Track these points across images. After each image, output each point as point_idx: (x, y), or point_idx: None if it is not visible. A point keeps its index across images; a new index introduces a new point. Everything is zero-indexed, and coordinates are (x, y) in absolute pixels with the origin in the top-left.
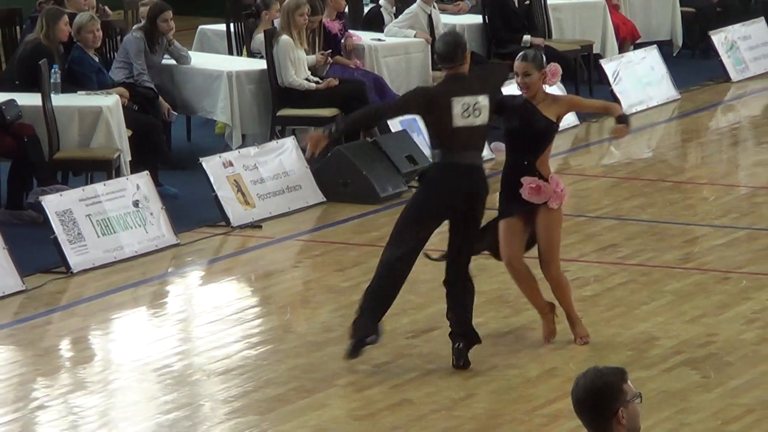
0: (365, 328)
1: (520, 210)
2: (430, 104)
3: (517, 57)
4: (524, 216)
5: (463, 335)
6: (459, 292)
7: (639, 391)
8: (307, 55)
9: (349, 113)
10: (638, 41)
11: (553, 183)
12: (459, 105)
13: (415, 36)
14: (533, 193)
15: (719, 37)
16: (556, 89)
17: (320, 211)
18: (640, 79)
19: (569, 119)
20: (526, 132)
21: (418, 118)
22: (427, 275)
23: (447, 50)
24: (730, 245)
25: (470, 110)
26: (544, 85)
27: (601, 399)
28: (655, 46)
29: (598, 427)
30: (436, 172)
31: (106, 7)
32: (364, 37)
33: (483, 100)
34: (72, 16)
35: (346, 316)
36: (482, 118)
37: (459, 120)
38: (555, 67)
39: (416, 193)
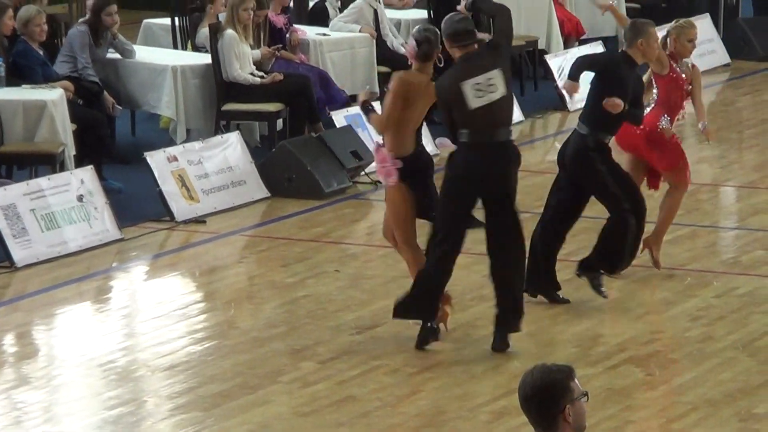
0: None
1: None
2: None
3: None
4: None
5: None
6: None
7: (585, 389)
8: (252, 49)
9: (294, 109)
10: (583, 37)
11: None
12: (470, 88)
13: (360, 31)
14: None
15: (664, 33)
16: None
17: (265, 206)
18: (586, 76)
19: (514, 115)
20: None
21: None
22: (371, 271)
23: (466, 26)
24: (674, 242)
25: (484, 88)
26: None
27: (549, 396)
28: (601, 41)
29: (544, 425)
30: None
31: None
32: (309, 32)
33: (496, 75)
34: (15, 10)
35: (290, 311)
36: (500, 91)
37: (475, 102)
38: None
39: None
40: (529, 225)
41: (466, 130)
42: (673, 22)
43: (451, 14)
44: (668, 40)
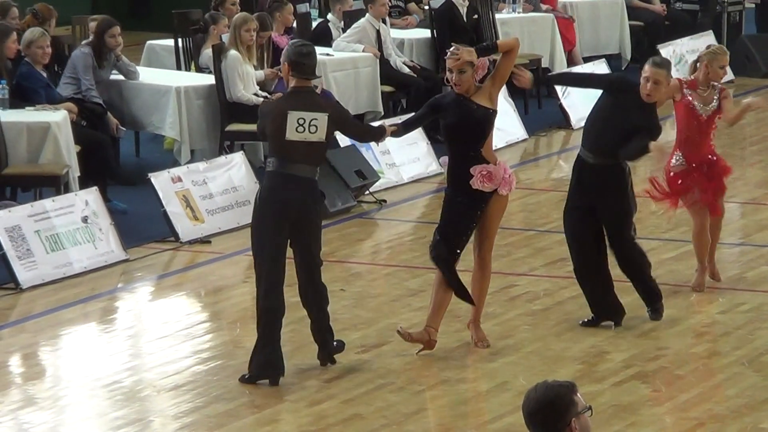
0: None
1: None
2: (270, 115)
3: (450, 54)
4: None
5: (323, 344)
6: (311, 300)
7: (589, 404)
8: (255, 70)
9: None
10: (586, 55)
11: (500, 168)
12: (294, 119)
13: (363, 51)
14: (485, 180)
15: (668, 51)
16: (503, 101)
17: None
18: (588, 93)
19: (518, 133)
20: (466, 125)
21: None
22: (376, 290)
23: (312, 63)
24: (679, 259)
25: (306, 125)
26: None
27: (553, 411)
28: (604, 59)
29: None
30: (267, 181)
31: None
32: None
33: (321, 118)
34: (20, 33)
35: (295, 331)
36: (318, 135)
37: (293, 134)
38: (483, 61)
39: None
40: (533, 242)
41: (273, 158)
42: (705, 48)
43: (301, 44)
44: (698, 65)
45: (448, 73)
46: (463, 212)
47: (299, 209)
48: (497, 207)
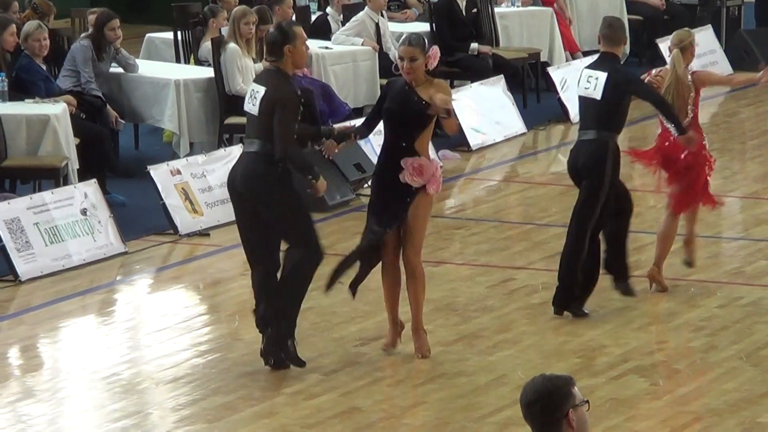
0: None
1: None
2: None
3: (402, 41)
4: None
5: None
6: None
7: (586, 398)
8: (254, 63)
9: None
10: (586, 49)
11: (432, 165)
12: (250, 89)
13: (362, 44)
14: (415, 174)
15: (667, 45)
16: (502, 95)
17: None
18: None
19: (516, 126)
20: (402, 113)
21: None
22: (375, 284)
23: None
24: (677, 253)
25: (252, 97)
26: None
27: (551, 402)
28: None
29: (546, 431)
30: None
31: None
32: (311, 45)
33: (261, 92)
34: (20, 27)
35: None
36: (258, 107)
37: (247, 104)
38: (435, 50)
39: None
40: (531, 236)
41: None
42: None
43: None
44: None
45: (399, 60)
46: (389, 204)
47: (241, 183)
48: (422, 205)
